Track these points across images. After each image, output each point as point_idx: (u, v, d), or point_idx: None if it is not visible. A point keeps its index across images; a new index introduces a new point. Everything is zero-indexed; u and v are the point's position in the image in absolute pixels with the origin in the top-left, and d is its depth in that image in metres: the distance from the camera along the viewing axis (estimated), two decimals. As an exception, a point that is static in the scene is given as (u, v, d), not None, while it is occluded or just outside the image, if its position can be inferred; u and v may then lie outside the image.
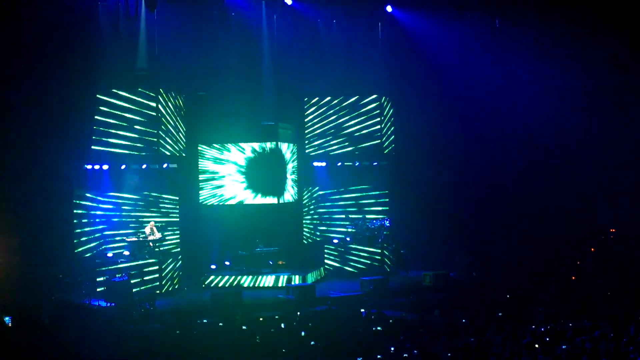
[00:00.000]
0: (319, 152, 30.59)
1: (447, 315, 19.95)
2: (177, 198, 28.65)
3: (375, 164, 30.67)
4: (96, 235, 27.28)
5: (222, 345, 17.46)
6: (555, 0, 28.97)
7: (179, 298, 25.80)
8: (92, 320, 21.32)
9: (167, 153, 27.83)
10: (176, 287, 27.01)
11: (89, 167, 27.01)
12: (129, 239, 26.98)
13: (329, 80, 30.42)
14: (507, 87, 30.35)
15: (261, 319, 20.15)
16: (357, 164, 30.65)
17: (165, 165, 28.16)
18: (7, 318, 18.99)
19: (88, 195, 27.12)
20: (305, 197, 30.87)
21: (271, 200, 28.66)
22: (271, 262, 27.93)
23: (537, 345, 15.16)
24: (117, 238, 27.54)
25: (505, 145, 30.63)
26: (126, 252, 26.68)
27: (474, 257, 28.34)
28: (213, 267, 28.11)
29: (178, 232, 28.57)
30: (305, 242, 30.55)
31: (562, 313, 19.29)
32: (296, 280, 26.36)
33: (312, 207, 31.13)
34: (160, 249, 27.20)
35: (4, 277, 23.13)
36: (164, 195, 28.40)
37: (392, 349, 15.78)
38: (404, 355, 15.37)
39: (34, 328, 19.13)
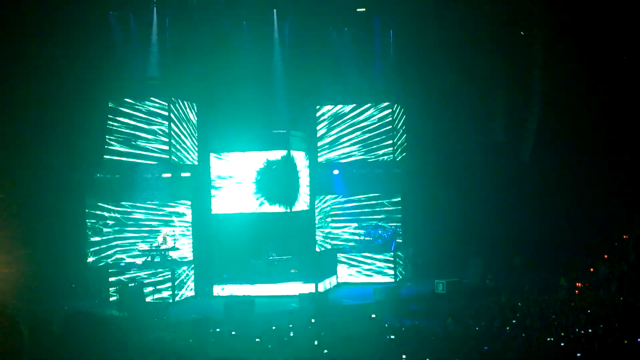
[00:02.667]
0: (331, 159, 30.55)
1: (461, 322, 19.87)
2: (190, 206, 28.64)
3: (388, 171, 30.61)
4: (109, 244, 27.33)
5: (235, 354, 17.42)
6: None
7: (191, 307, 25.77)
8: (105, 329, 21.27)
9: (179, 161, 27.85)
10: (189, 295, 27.00)
11: (101, 175, 27.06)
12: (141, 248, 27.03)
13: (341, 88, 30.39)
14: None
15: (274, 327, 20.09)
16: (369, 171, 30.59)
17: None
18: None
19: (100, 204, 27.18)
20: (318, 204, 30.81)
21: (283, 208, 28.60)
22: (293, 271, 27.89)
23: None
24: (130, 247, 27.59)
25: (520, 150, 30.62)
26: (139, 261, 26.72)
27: (487, 263, 28.25)
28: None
29: (191, 240, 28.54)
30: (318, 250, 30.49)
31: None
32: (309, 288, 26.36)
33: (324, 214, 31.09)
34: (173, 257, 27.21)
35: (16, 286, 23.15)
36: (176, 204, 28.39)
37: (404, 356, 15.72)
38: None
39: (46, 338, 19.10)
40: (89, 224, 26.68)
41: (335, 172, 30.51)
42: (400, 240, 29.93)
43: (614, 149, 29.89)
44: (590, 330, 17.46)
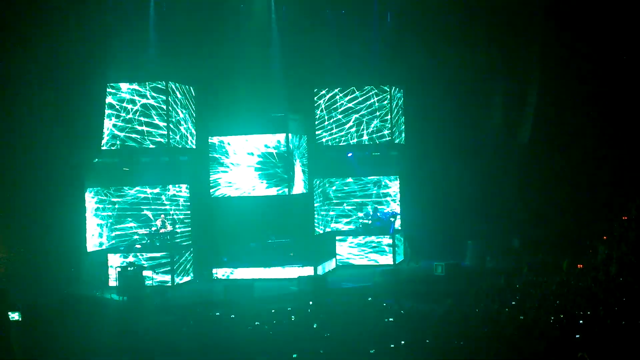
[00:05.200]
0: (329, 142, 30.51)
1: (460, 305, 19.89)
2: (188, 190, 28.65)
3: (386, 153, 30.63)
4: (107, 228, 27.37)
5: (234, 337, 17.46)
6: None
7: (191, 290, 25.81)
8: (105, 313, 21.38)
9: (178, 145, 27.83)
10: (188, 279, 27.02)
11: (100, 160, 27.07)
12: (140, 232, 27.07)
13: (339, 70, 30.34)
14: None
15: (273, 310, 20.13)
16: (367, 153, 30.59)
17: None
18: (17, 313, 18.98)
19: (99, 188, 27.21)
20: (316, 187, 30.82)
21: (282, 191, 28.58)
22: (292, 255, 27.88)
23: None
24: (129, 231, 27.63)
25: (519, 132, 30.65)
26: (138, 245, 26.74)
27: (486, 245, 28.28)
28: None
29: (189, 224, 28.57)
30: (317, 233, 30.50)
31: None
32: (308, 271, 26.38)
33: (322, 197, 31.10)
34: (172, 241, 27.22)
35: (14, 271, 23.18)
36: (174, 188, 28.40)
37: (403, 342, 15.74)
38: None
39: (45, 323, 19.15)
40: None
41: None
42: (399, 222, 29.96)
43: (614, 130, 29.88)
44: (589, 313, 17.48)
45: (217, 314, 20.49)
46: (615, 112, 29.81)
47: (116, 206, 27.86)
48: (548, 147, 30.44)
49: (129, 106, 27.09)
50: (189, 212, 28.63)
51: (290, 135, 28.63)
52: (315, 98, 30.57)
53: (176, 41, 28.34)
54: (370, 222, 29.76)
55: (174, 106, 27.63)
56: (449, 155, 30.62)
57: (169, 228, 27.17)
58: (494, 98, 31.05)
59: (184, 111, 28.20)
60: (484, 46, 30.37)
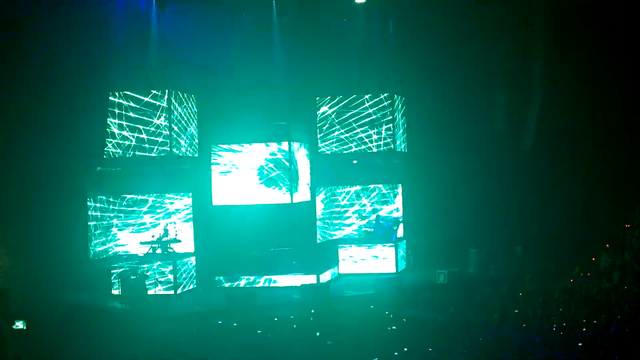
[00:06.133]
0: (331, 150, 30.52)
1: (462, 312, 19.88)
2: (190, 199, 28.64)
3: (388, 161, 30.64)
4: (109, 236, 27.38)
5: (237, 346, 17.46)
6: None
7: (193, 299, 25.79)
8: (107, 322, 21.33)
9: (180, 153, 27.83)
10: (191, 288, 27.01)
11: (102, 168, 27.08)
12: (142, 240, 27.06)
13: (341, 79, 30.36)
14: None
15: (275, 319, 20.13)
16: (369, 161, 30.60)
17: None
18: (21, 322, 18.98)
19: (101, 196, 27.23)
20: (318, 195, 30.81)
21: (284, 199, 28.57)
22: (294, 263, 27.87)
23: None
24: (131, 239, 27.63)
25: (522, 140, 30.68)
26: (140, 253, 26.73)
27: (489, 253, 28.26)
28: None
29: (192, 232, 28.55)
30: (319, 241, 30.47)
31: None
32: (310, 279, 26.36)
33: (325, 205, 31.09)
34: (174, 249, 27.21)
35: (17, 279, 23.15)
36: (177, 196, 28.40)
37: (406, 349, 15.74)
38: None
39: (48, 331, 19.14)
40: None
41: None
42: (402, 230, 29.96)
43: (617, 137, 29.88)
44: (595, 322, 17.47)
45: (220, 322, 20.49)
46: (618, 119, 29.82)
47: (119, 214, 27.91)
48: (551, 155, 30.45)
49: (131, 114, 27.10)
50: (191, 220, 28.58)
51: (292, 143, 28.63)
52: (317, 106, 30.59)
53: (178, 49, 28.32)
54: (372, 230, 29.73)
55: (176, 114, 27.64)
56: (451, 162, 30.62)
57: (172, 236, 27.17)
58: (497, 105, 31.07)
59: (185, 119, 28.21)
60: (486, 53, 30.38)
